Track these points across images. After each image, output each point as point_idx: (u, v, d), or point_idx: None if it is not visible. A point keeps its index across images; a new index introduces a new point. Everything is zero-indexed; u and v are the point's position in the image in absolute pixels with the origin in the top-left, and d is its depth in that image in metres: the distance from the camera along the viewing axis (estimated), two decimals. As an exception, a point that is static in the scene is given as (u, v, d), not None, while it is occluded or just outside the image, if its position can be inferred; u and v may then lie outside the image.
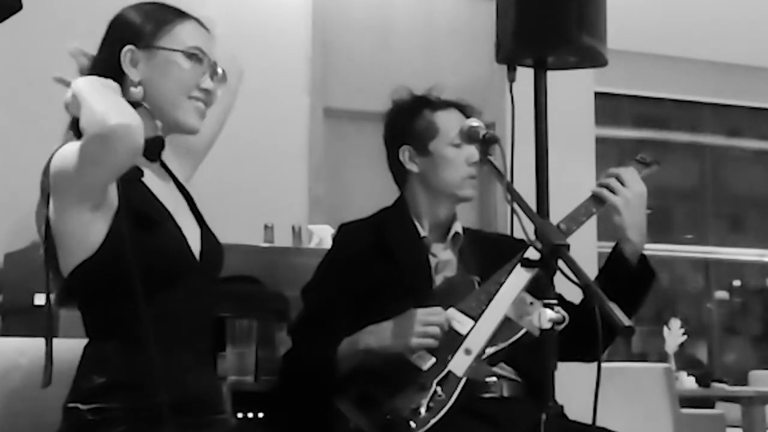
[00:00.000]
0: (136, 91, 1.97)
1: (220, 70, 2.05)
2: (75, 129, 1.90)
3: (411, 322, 2.29)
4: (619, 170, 2.44)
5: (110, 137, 1.75)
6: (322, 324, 2.46)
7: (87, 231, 1.87)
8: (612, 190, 2.41)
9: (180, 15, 2.04)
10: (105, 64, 2.00)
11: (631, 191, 2.40)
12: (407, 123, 2.58)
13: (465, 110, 2.59)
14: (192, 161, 2.23)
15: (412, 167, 2.57)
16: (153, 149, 1.97)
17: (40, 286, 1.95)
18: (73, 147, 1.83)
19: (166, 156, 2.08)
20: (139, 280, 1.81)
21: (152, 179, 2.01)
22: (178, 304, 1.92)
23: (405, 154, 2.57)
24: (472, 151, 2.48)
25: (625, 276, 2.39)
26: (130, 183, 1.90)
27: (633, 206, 2.39)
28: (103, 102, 1.81)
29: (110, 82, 1.92)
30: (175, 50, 1.99)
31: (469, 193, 2.56)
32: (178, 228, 1.96)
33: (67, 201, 1.87)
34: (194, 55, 2.01)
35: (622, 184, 2.41)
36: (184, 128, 2.02)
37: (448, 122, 2.54)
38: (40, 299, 2.79)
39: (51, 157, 1.89)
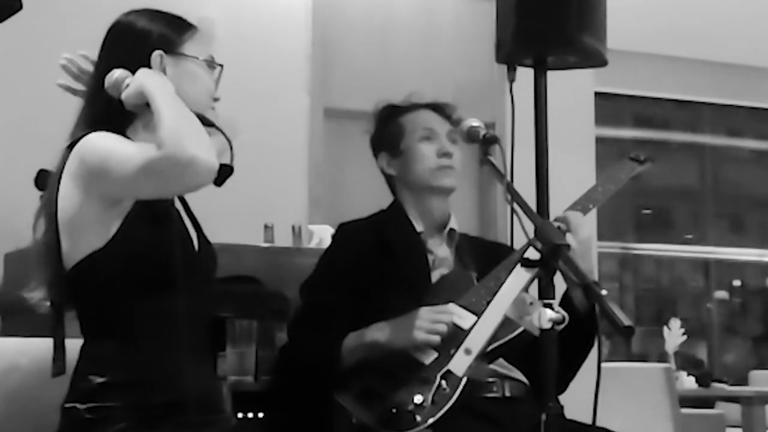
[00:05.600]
0: None
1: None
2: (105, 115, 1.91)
3: (415, 318, 2.30)
4: (567, 214, 2.39)
5: (188, 168, 1.74)
6: (321, 319, 2.46)
7: (102, 222, 1.87)
8: None
9: (193, 27, 2.08)
10: (128, 68, 1.98)
11: (576, 238, 2.33)
12: (380, 131, 2.67)
13: (439, 109, 2.65)
14: None
15: (391, 171, 2.63)
16: (223, 177, 1.96)
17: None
18: (126, 147, 1.82)
19: None
20: (143, 278, 1.82)
21: None
22: (178, 303, 1.92)
23: (383, 160, 2.65)
24: (442, 143, 2.56)
25: (572, 325, 2.08)
26: None
27: (577, 254, 2.23)
28: (181, 120, 1.80)
29: (172, 86, 1.91)
30: (200, 59, 2.03)
31: (445, 182, 2.57)
32: (184, 227, 1.96)
33: (96, 194, 1.87)
34: (213, 65, 2.05)
35: (568, 229, 2.35)
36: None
37: (414, 120, 2.61)
38: (40, 299, 2.79)
39: (80, 137, 1.90)
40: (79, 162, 1.88)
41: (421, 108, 2.65)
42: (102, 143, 1.86)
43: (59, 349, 1.93)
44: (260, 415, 2.97)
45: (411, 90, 2.70)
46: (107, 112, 1.98)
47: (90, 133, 1.91)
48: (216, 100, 2.07)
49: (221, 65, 2.07)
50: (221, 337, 2.98)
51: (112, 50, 2.04)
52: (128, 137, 1.97)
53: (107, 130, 1.93)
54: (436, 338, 2.28)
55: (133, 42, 2.01)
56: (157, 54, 1.98)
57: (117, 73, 1.94)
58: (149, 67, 1.97)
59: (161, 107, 1.82)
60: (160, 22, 2.05)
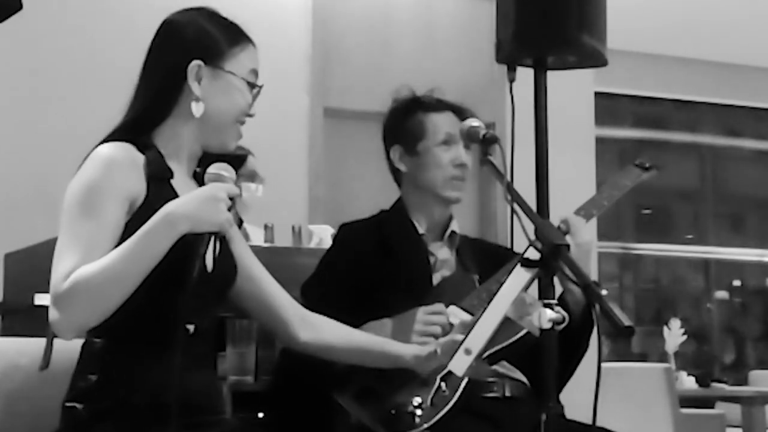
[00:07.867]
0: (198, 107, 1.98)
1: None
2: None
3: (413, 320, 2.30)
4: (568, 217, 2.40)
5: (54, 322, 1.77)
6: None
7: None
8: None
9: (245, 38, 2.07)
10: (168, 70, 2.00)
11: (575, 241, 2.34)
12: (399, 123, 2.62)
13: (461, 113, 2.60)
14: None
15: (402, 167, 2.61)
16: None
17: (41, 285, 1.95)
18: (67, 243, 1.81)
19: None
20: (146, 279, 1.81)
21: (181, 183, 2.00)
22: (183, 306, 1.92)
23: (396, 153, 2.61)
24: (458, 153, 2.53)
25: (565, 329, 2.09)
26: (160, 182, 1.92)
27: (576, 257, 2.19)
28: (101, 282, 1.77)
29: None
30: (241, 78, 2.02)
31: (452, 194, 2.57)
32: (194, 234, 1.94)
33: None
34: (253, 85, 2.04)
35: (568, 231, 2.36)
36: (223, 150, 2.04)
37: (438, 123, 2.57)
38: (40, 299, 2.79)
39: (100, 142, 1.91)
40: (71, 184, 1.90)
41: (447, 109, 2.60)
42: (72, 208, 1.85)
43: (49, 345, 1.95)
44: (260, 415, 2.97)
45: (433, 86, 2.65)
46: (142, 108, 2.00)
47: (105, 142, 1.92)
48: (250, 116, 2.06)
49: (260, 86, 2.06)
50: (221, 337, 2.98)
51: (166, 50, 2.03)
52: (152, 140, 1.99)
53: (131, 136, 1.95)
54: (431, 339, 2.28)
55: (179, 46, 2.01)
56: (195, 64, 1.98)
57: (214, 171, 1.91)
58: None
59: (129, 244, 1.80)
60: (216, 32, 2.04)
